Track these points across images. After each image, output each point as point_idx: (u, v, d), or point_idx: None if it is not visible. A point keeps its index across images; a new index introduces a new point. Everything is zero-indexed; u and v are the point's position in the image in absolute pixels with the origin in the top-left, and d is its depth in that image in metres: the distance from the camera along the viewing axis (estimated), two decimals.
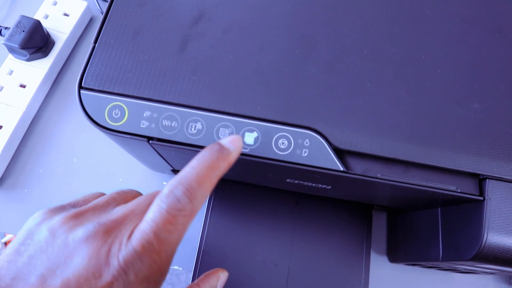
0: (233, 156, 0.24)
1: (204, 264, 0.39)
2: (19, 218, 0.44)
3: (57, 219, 0.22)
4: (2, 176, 0.45)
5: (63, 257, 0.20)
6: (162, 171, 0.43)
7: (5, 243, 0.99)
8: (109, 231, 0.21)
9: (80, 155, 0.46)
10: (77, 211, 0.22)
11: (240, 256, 0.39)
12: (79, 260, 0.20)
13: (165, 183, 0.45)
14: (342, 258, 0.40)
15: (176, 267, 0.41)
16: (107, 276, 0.19)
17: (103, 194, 0.27)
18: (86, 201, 0.25)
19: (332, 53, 0.29)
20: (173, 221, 0.21)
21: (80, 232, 0.21)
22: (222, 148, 0.23)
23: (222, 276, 0.28)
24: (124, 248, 0.20)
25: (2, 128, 0.44)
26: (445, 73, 0.29)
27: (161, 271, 0.21)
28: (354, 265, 0.39)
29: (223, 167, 0.23)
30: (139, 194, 0.27)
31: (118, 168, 0.45)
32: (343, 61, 0.29)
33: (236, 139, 0.24)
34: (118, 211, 0.22)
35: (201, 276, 0.28)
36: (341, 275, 0.39)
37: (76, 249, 0.20)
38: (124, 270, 0.20)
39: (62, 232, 0.21)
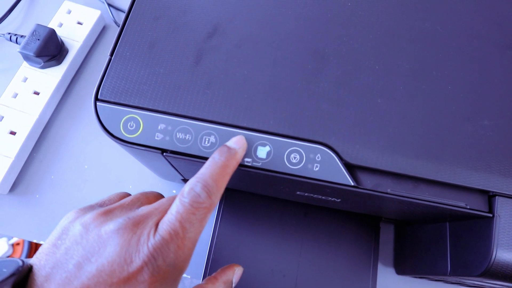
0: (240, 154, 0.27)
1: (212, 272, 0.39)
2: (30, 223, 0.44)
3: (89, 216, 0.24)
4: (15, 181, 0.45)
5: (97, 247, 0.22)
6: (172, 180, 0.43)
7: (13, 245, 0.99)
8: (137, 224, 0.23)
9: (91, 162, 0.47)
10: (106, 209, 0.25)
11: (248, 265, 0.39)
12: (111, 249, 0.22)
13: (174, 191, 0.45)
14: (349, 269, 0.40)
15: (185, 275, 0.42)
16: (137, 262, 0.22)
17: (128, 194, 0.29)
18: (111, 200, 0.28)
19: (344, 68, 0.30)
20: (195, 212, 0.23)
21: (112, 225, 0.23)
22: (229, 149, 0.26)
23: (237, 270, 0.30)
24: (152, 236, 0.23)
25: (16, 134, 0.45)
26: (455, 90, 0.30)
27: (185, 258, 0.23)
28: (362, 276, 0.40)
29: (232, 165, 0.26)
30: (161, 195, 0.30)
31: (128, 176, 0.46)
32: (354, 77, 0.29)
33: (239, 139, 0.27)
34: (143, 209, 0.25)
35: (218, 270, 0.30)
36: (349, 286, 0.39)
37: (109, 240, 0.23)
38: (153, 255, 0.22)
39: (94, 226, 0.23)
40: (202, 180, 0.24)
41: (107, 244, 0.22)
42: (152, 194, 0.29)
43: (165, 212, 0.24)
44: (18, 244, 1.01)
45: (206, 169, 0.25)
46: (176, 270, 0.23)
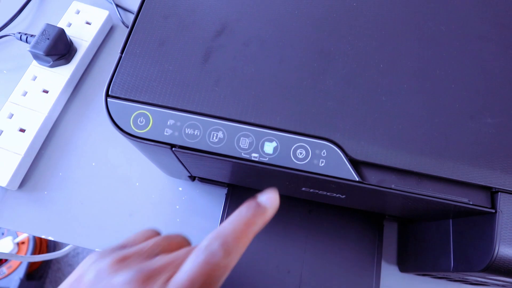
0: (270, 213, 0.25)
1: None
2: (39, 219, 0.45)
3: (105, 261, 0.23)
4: (24, 178, 0.46)
5: None
6: (179, 177, 0.44)
7: (18, 244, 1.00)
8: (148, 279, 0.22)
9: (99, 160, 0.47)
10: (123, 256, 0.24)
11: (253, 262, 0.40)
12: None
13: (180, 188, 0.46)
14: (353, 266, 0.40)
15: None
16: None
17: (155, 233, 0.28)
18: (136, 241, 0.27)
19: (349, 66, 0.30)
20: (209, 273, 0.21)
21: (122, 277, 0.22)
22: (258, 205, 0.24)
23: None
24: None
25: (25, 131, 0.45)
26: (459, 88, 0.30)
27: None
28: (365, 273, 0.40)
29: (259, 223, 0.24)
30: (185, 239, 0.28)
31: (135, 173, 0.47)
32: (359, 75, 0.30)
33: (273, 197, 0.25)
34: (160, 260, 0.24)
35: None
36: (352, 283, 0.40)
37: None
38: None
39: (107, 275, 0.22)
40: (222, 236, 0.22)
41: None
42: (176, 239, 0.27)
43: (180, 266, 0.23)
44: (23, 243, 1.02)
45: (229, 224, 0.23)
46: None
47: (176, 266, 0.23)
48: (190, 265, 0.22)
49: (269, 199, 0.25)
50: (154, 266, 0.23)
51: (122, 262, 0.23)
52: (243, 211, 0.24)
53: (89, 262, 0.24)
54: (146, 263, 0.24)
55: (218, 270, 0.22)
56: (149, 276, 0.22)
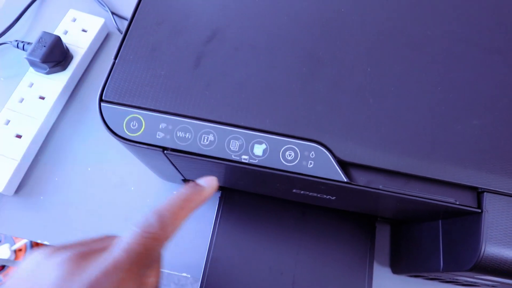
0: (207, 192, 0.26)
1: (212, 271, 0.40)
2: (35, 224, 0.45)
3: (42, 252, 0.23)
4: (20, 183, 0.47)
5: (39, 280, 0.21)
6: (173, 181, 0.45)
7: (15, 251, 1.00)
8: (84, 256, 0.22)
9: (94, 165, 0.48)
10: (60, 246, 0.24)
11: (247, 264, 0.40)
12: (51, 281, 0.21)
13: (175, 192, 0.46)
14: (346, 268, 0.41)
15: (184, 274, 0.42)
16: None
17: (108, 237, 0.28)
18: (75, 241, 0.26)
19: (337, 70, 0.31)
20: (145, 244, 0.22)
21: (59, 257, 0.22)
22: (196, 185, 0.26)
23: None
24: (94, 267, 0.21)
25: (22, 137, 0.46)
26: (445, 90, 0.31)
27: None
28: (358, 275, 0.40)
29: (196, 200, 0.25)
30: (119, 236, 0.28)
31: (131, 178, 0.47)
32: (347, 78, 0.31)
33: (211, 179, 0.27)
34: (96, 243, 0.24)
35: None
36: (345, 285, 0.40)
37: (50, 271, 0.21)
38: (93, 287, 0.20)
39: (43, 261, 0.22)
40: (158, 211, 0.23)
41: (48, 276, 0.21)
42: (112, 236, 0.27)
43: (116, 245, 0.23)
44: (20, 250, 1.02)
45: (167, 201, 0.24)
46: None
47: (113, 245, 0.23)
48: (127, 238, 0.22)
49: (207, 181, 0.27)
50: (91, 246, 0.23)
51: (59, 249, 0.23)
52: (181, 190, 0.25)
53: (26, 258, 0.24)
54: (85, 247, 0.23)
55: (154, 242, 0.22)
56: (87, 253, 0.22)
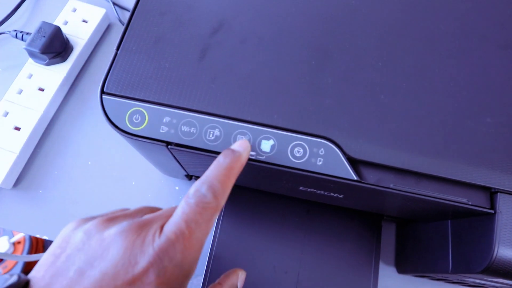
0: (244, 157, 0.26)
1: (214, 269, 0.39)
2: (34, 218, 0.44)
3: (91, 223, 0.24)
4: (19, 176, 0.46)
5: (99, 251, 0.22)
6: (175, 176, 0.44)
7: (14, 243, 1.00)
8: (142, 226, 0.23)
9: (95, 158, 0.47)
10: (109, 217, 0.24)
11: (250, 262, 0.40)
12: (115, 251, 0.22)
13: (177, 187, 0.45)
14: (351, 267, 0.40)
15: None
16: (142, 263, 0.21)
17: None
18: (114, 213, 0.27)
19: (347, 65, 0.30)
20: (201, 213, 0.23)
21: (115, 228, 0.23)
22: (233, 151, 0.26)
23: (241, 274, 0.30)
24: (158, 237, 0.22)
25: (21, 130, 0.45)
26: (458, 87, 0.30)
27: (192, 259, 0.23)
28: (363, 274, 0.40)
29: (237, 167, 0.26)
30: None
31: (132, 172, 0.46)
32: (357, 73, 0.30)
33: (243, 142, 0.27)
34: (148, 216, 0.25)
35: (222, 276, 0.30)
36: (350, 285, 0.39)
37: (112, 242, 0.22)
38: (159, 256, 0.21)
39: (96, 232, 0.23)
40: (207, 182, 0.24)
41: (110, 247, 0.22)
42: (155, 207, 0.28)
43: (170, 216, 0.24)
44: (19, 242, 1.01)
45: (211, 171, 0.25)
46: (183, 271, 0.22)
47: (167, 216, 0.24)
48: (183, 208, 0.23)
49: (241, 144, 0.27)
50: (145, 218, 0.24)
51: (109, 221, 0.24)
52: (220, 159, 0.25)
53: (71, 228, 0.24)
54: (135, 218, 0.24)
55: (209, 209, 0.23)
56: (143, 224, 0.23)
